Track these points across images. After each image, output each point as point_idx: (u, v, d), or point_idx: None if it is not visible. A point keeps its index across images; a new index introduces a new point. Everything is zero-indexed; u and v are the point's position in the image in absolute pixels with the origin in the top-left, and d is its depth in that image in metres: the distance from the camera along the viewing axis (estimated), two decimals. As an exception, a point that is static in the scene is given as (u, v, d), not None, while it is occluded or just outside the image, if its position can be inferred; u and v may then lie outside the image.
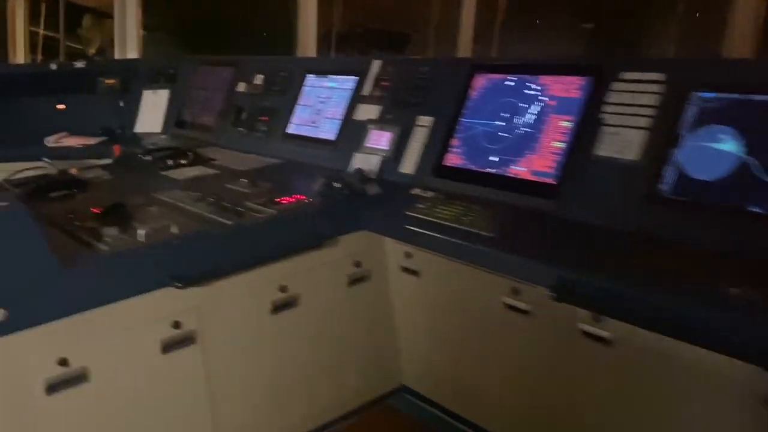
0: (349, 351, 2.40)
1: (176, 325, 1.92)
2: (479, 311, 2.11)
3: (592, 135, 1.97)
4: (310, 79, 3.13)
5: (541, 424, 2.07)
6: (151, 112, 4.15)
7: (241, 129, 3.40)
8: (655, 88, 1.89)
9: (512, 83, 2.23)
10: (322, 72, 3.09)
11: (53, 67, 4.40)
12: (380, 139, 2.62)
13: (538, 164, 2.06)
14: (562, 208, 1.97)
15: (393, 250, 2.34)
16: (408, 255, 2.29)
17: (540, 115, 2.11)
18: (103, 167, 3.08)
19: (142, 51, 4.98)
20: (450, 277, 2.18)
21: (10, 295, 1.59)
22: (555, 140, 2.04)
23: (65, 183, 2.58)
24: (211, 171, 2.86)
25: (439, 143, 2.40)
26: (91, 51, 8.07)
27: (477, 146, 2.26)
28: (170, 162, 2.98)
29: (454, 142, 2.34)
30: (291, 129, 3.12)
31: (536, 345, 1.97)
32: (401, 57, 3.22)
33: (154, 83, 4.20)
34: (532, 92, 2.15)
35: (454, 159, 2.32)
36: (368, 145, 2.66)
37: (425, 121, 2.49)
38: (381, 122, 2.66)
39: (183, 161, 3.01)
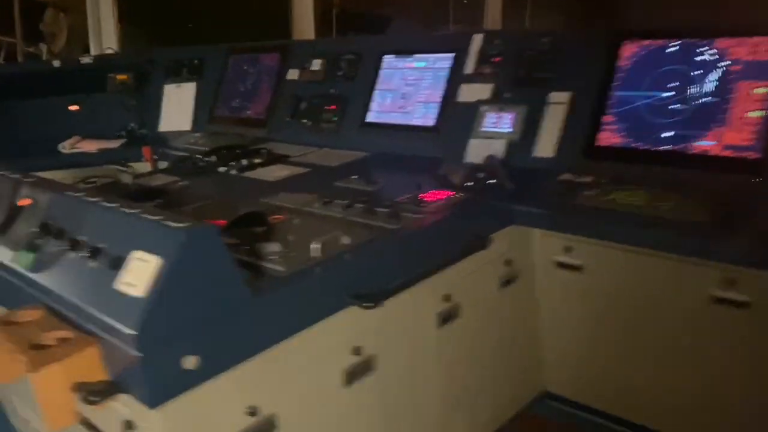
0: (500, 359, 2.14)
1: (356, 351, 1.62)
2: (670, 305, 1.88)
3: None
4: (389, 60, 2.82)
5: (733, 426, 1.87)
6: (176, 108, 3.74)
7: (305, 121, 3.06)
8: None
9: (676, 49, 2.00)
10: (404, 52, 2.78)
11: (56, 64, 3.92)
12: (500, 122, 2.35)
13: (731, 138, 1.84)
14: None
15: (546, 244, 2.08)
16: (568, 249, 2.04)
17: (723, 83, 1.89)
18: (165, 172, 2.70)
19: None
20: (625, 270, 1.94)
21: (202, 335, 1.27)
22: (750, 110, 1.82)
23: (145, 193, 2.22)
24: (300, 169, 2.53)
25: (586, 121, 2.15)
26: (56, 49, 7.43)
27: (641, 122, 2.02)
28: (244, 162, 2.63)
29: (608, 118, 2.10)
30: (371, 117, 2.81)
31: (755, 340, 1.76)
32: (510, 30, 2.94)
33: (176, 77, 3.78)
34: (708, 58, 1.93)
35: (609, 138, 2.08)
36: (484, 128, 2.39)
37: (560, 97, 2.23)
38: (498, 102, 2.39)
39: (257, 160, 2.67)
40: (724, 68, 1.89)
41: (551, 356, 2.28)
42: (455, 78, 2.56)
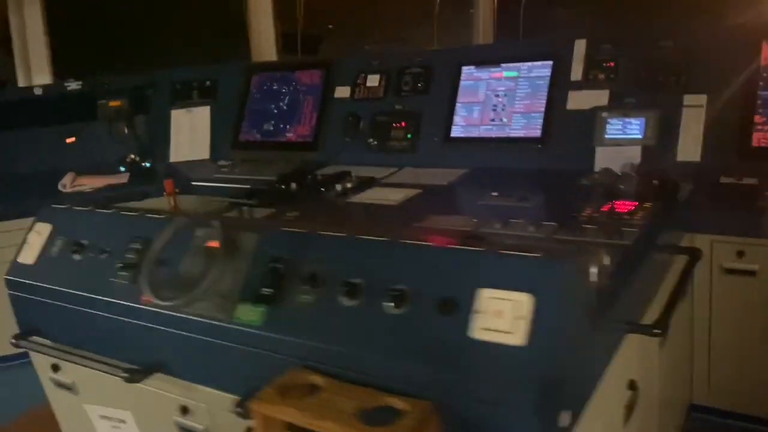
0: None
1: (632, 385, 1.43)
2: None
3: None
4: (469, 71, 2.65)
5: None
6: (189, 135, 3.34)
7: (370, 140, 2.81)
8: None
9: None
10: (488, 62, 2.62)
11: (38, 92, 3.39)
12: (628, 128, 2.25)
13: None
14: None
15: (713, 251, 2.00)
16: (740, 254, 1.97)
17: None
18: (249, 206, 2.35)
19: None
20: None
21: (572, 383, 1.04)
22: None
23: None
24: (412, 191, 2.28)
25: (735, 122, 2.10)
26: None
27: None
28: (338, 187, 2.35)
29: (758, 119, 2.06)
30: (457, 132, 2.62)
31: None
32: (619, 35, 2.85)
33: (185, 100, 3.39)
34: None
35: (765, 137, 2.04)
36: (610, 136, 2.28)
37: (697, 99, 2.17)
38: (621, 108, 2.29)
39: (349, 185, 2.39)
40: None
41: (701, 366, 2.19)
42: (558, 86, 2.44)
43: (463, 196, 2.17)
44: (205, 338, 1.31)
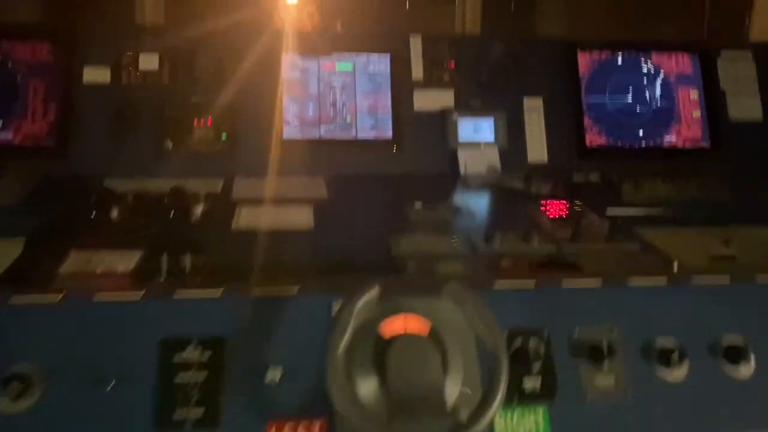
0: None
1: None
2: None
3: None
4: (293, 60, 2.22)
5: None
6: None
7: (168, 142, 2.08)
8: None
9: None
10: (312, 50, 2.23)
11: None
12: (479, 130, 2.25)
13: None
14: None
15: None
16: None
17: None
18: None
19: None
20: None
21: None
22: None
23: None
24: (304, 209, 1.80)
25: (570, 125, 2.31)
26: None
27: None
28: (198, 210, 1.70)
29: (587, 122, 2.33)
30: (291, 133, 2.17)
31: None
32: (453, 34, 2.59)
33: None
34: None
35: (596, 139, 2.32)
36: (463, 139, 2.24)
37: (535, 102, 2.31)
38: (469, 110, 2.26)
39: (201, 206, 1.75)
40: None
41: None
42: (399, 83, 2.27)
43: (380, 212, 1.82)
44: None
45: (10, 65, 2.08)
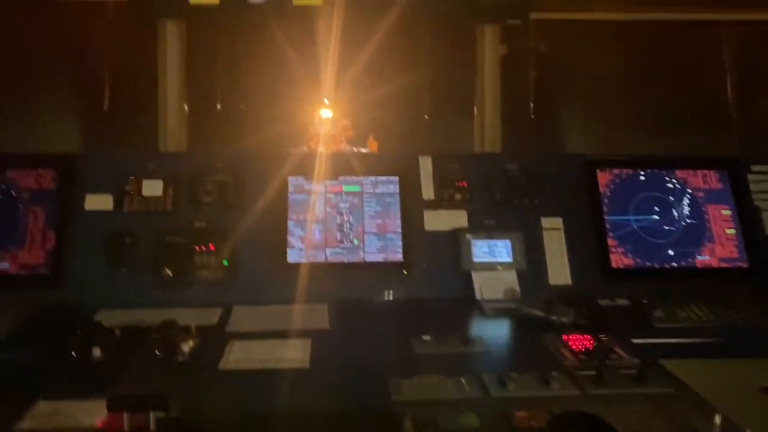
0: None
1: None
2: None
3: None
4: (298, 183, 2.16)
5: None
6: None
7: (166, 270, 1.99)
8: None
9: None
10: (319, 173, 2.18)
11: None
12: (495, 250, 2.12)
13: (719, 251, 2.20)
14: None
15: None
16: None
17: (693, 206, 2.25)
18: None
19: None
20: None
21: None
22: None
23: None
24: (301, 341, 1.66)
25: (593, 245, 2.17)
26: None
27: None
28: (184, 347, 1.57)
29: (611, 242, 2.18)
30: (295, 257, 2.08)
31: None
32: (463, 153, 2.56)
33: None
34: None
35: (621, 259, 2.17)
36: (479, 259, 2.10)
37: (554, 222, 2.19)
38: (484, 230, 2.15)
39: (191, 342, 1.63)
40: (687, 194, 2.27)
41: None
42: (409, 204, 2.18)
43: (384, 345, 1.67)
44: None
45: (13, 194, 2.06)
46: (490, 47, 2.78)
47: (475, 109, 2.77)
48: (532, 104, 3.96)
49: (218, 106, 3.12)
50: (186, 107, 2.72)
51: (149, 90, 2.76)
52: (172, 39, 2.69)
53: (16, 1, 2.87)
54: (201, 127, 2.94)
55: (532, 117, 3.94)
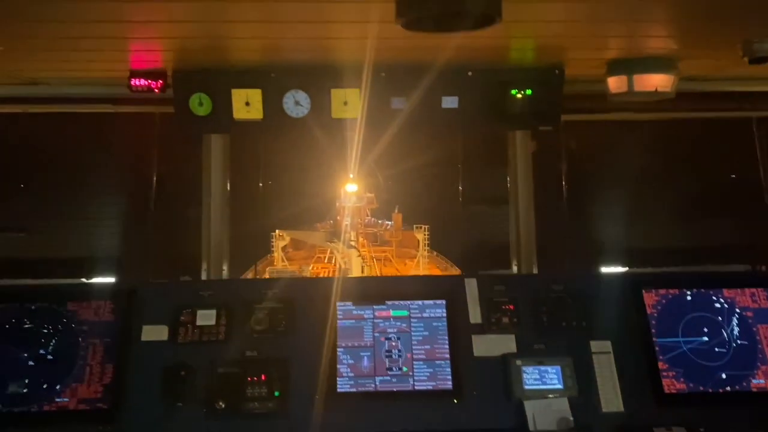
0: None
1: None
2: None
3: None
4: (346, 308, 2.20)
5: None
6: None
7: (219, 403, 2.02)
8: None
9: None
10: (368, 298, 2.22)
11: None
12: (546, 377, 2.11)
13: None
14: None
15: None
16: None
17: (743, 326, 2.23)
18: None
19: None
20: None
21: None
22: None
23: None
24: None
25: (643, 369, 2.15)
26: None
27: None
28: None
29: (662, 365, 2.16)
30: (345, 386, 2.09)
31: None
32: (508, 274, 2.60)
33: None
34: (722, 304, 2.26)
35: (674, 384, 2.14)
36: (529, 386, 2.10)
37: (603, 346, 2.18)
38: (534, 356, 2.15)
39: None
40: (737, 313, 2.25)
41: None
42: (457, 328, 2.20)
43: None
44: None
45: (73, 327, 2.12)
46: (521, 147, 2.84)
47: (510, 201, 2.81)
48: (564, 193, 4.01)
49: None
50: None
51: (194, 191, 2.86)
52: (216, 150, 2.78)
53: (75, 115, 3.02)
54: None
55: (565, 206, 3.98)
